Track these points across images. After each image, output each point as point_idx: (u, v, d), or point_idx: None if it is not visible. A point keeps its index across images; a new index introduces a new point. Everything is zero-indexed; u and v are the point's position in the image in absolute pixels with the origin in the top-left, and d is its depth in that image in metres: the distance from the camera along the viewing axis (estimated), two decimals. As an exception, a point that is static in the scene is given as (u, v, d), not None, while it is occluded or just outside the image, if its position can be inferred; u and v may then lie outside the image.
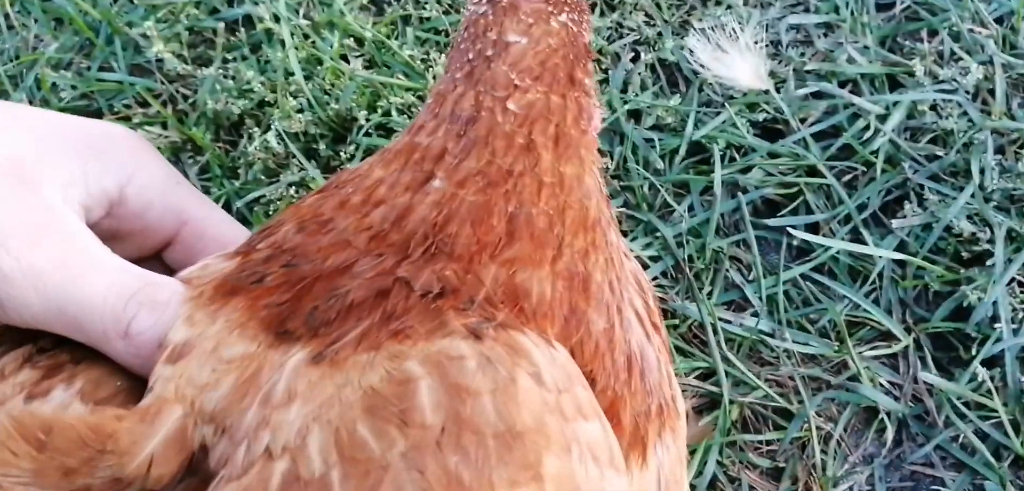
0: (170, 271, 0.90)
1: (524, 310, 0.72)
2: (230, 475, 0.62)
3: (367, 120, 1.43)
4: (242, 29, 1.58)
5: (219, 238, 0.91)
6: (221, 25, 1.54)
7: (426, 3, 1.59)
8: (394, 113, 1.44)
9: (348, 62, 1.50)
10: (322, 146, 1.43)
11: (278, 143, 1.42)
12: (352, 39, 1.54)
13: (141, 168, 0.89)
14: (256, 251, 0.80)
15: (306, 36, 1.54)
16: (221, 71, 1.53)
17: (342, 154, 1.42)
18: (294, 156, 1.42)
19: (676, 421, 0.89)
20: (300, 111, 1.44)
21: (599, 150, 1.37)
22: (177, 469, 0.66)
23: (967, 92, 1.47)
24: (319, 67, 1.49)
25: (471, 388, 0.61)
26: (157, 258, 0.95)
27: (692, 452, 1.19)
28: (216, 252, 0.83)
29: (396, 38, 1.56)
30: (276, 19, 1.53)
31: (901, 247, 1.33)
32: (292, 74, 1.47)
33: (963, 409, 1.22)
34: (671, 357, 0.92)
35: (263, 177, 1.42)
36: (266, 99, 1.47)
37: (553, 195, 0.75)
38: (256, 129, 1.45)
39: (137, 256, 0.91)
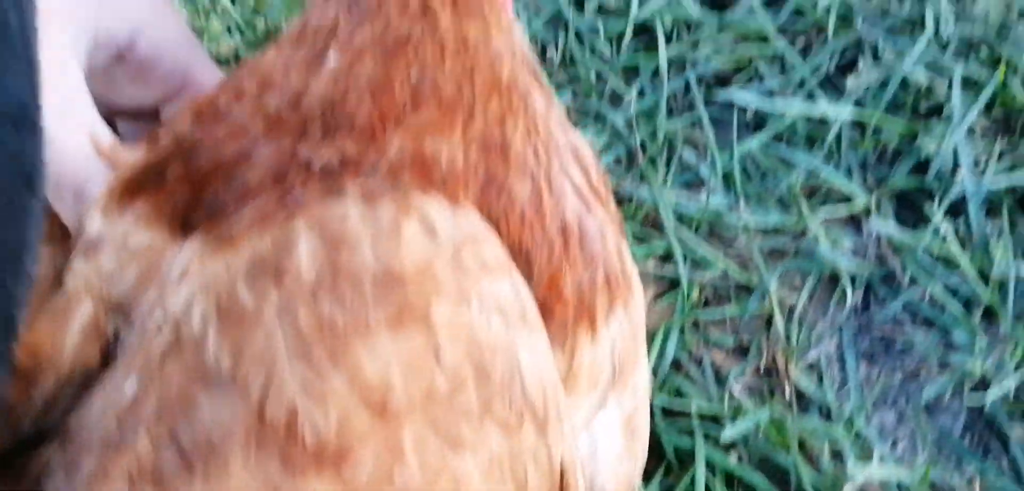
0: None
1: (433, 178, 0.69)
2: (123, 355, 0.61)
3: (299, 35, 1.40)
4: (164, -45, 1.54)
5: None
6: (137, -50, 1.49)
7: (353, -92, 1.55)
8: (327, 25, 1.41)
9: (275, -24, 1.47)
10: (255, 68, 1.40)
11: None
12: (278, -48, 1.50)
13: (156, 22, 0.88)
14: (159, 142, 0.79)
15: (229, -46, 1.50)
16: None
17: (277, 74, 1.39)
18: (226, 81, 1.39)
19: (629, 295, 0.87)
20: (228, 31, 1.41)
21: (544, 43, 1.35)
22: (98, 357, 0.65)
23: (920, -61, 1.44)
24: (246, -17, 1.46)
25: (350, 238, 0.59)
26: (154, 112, 0.97)
27: (651, 336, 1.18)
28: None
29: (325, -53, 1.52)
30: (197, -61, 1.49)
31: (858, 106, 1.31)
32: (217, -4, 1.44)
33: (929, 264, 1.20)
34: (623, 233, 0.90)
35: (195, 105, 1.39)
36: (193, 24, 1.44)
37: (458, 58, 0.72)
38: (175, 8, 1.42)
39: (136, 107, 0.94)
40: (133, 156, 0.80)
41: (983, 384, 1.13)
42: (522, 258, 0.74)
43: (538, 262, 0.75)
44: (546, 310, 0.75)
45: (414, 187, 0.67)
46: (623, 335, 0.84)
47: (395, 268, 0.57)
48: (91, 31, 0.84)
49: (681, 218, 1.25)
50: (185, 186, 0.72)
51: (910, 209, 1.27)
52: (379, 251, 0.58)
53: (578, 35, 1.40)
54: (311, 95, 0.71)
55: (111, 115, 1.01)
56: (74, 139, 0.77)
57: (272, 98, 0.72)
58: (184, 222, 0.71)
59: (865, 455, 1.07)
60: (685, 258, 1.23)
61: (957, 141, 1.22)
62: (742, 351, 1.20)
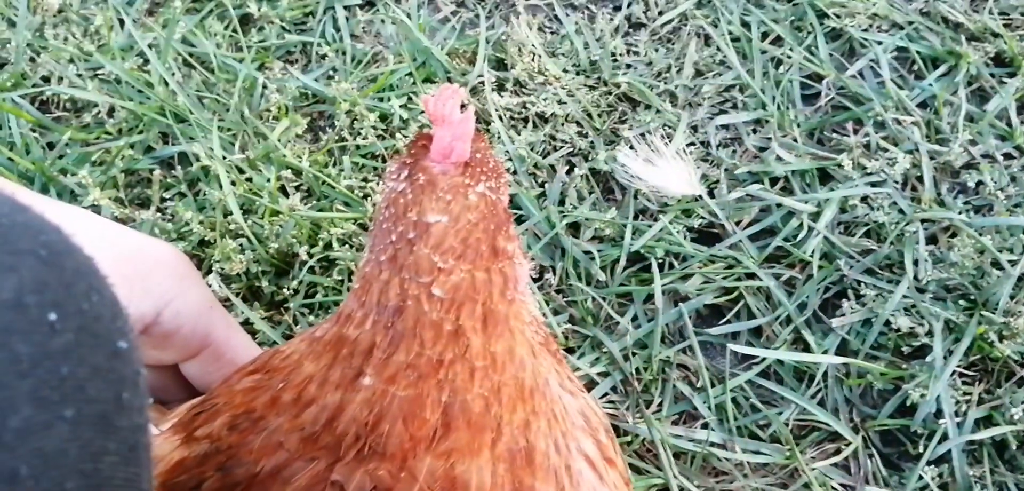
0: (185, 381, 0.98)
1: (463, 502, 0.69)
2: None
3: (309, 255, 1.40)
4: (178, 167, 1.55)
5: (234, 361, 0.94)
6: (157, 173, 1.50)
7: (361, 129, 1.57)
8: (335, 244, 1.42)
9: (287, 195, 1.47)
10: (265, 283, 1.40)
11: (220, 287, 1.39)
12: (289, 171, 1.51)
13: (181, 294, 0.91)
14: (195, 440, 0.79)
15: (242, 170, 1.51)
16: (159, 214, 1.49)
17: (285, 289, 1.39)
18: (237, 296, 1.39)
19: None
20: (241, 251, 1.41)
21: (542, 267, 1.36)
22: None
23: (896, 182, 1.48)
24: (258, 200, 1.46)
25: None
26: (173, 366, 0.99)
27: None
28: (227, 371, 0.86)
29: (333, 166, 1.54)
30: (211, 156, 1.50)
31: (843, 346, 1.32)
32: (230, 213, 1.44)
33: (915, 510, 1.20)
34: (629, 481, 0.90)
35: (206, 321, 1.38)
36: (206, 239, 1.44)
37: (486, 377, 0.73)
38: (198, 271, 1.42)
39: (156, 364, 0.97)
40: (168, 448, 0.80)
41: None
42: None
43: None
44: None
45: (444, 517, 0.67)
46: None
47: None
48: None
49: (677, 454, 1.24)
50: (221, 500, 0.72)
51: (897, 447, 1.27)
52: None
53: (575, 262, 1.41)
54: (346, 417, 0.71)
55: (132, 367, 1.01)
56: None
57: (308, 415, 0.72)
58: (221, 542, 0.70)
59: None
60: (681, 492, 1.22)
61: (940, 390, 1.24)
62: (737, 588, 1.20)
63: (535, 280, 1.41)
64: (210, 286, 1.37)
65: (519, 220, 1.46)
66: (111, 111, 1.60)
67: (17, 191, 0.65)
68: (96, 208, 1.49)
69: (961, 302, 1.34)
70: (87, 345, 0.51)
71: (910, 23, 1.72)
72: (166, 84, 1.60)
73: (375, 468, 0.69)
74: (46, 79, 1.65)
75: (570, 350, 1.35)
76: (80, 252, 0.55)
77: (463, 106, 0.79)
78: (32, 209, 0.54)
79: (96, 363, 0.51)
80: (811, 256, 1.39)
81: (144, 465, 0.55)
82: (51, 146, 1.57)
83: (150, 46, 1.66)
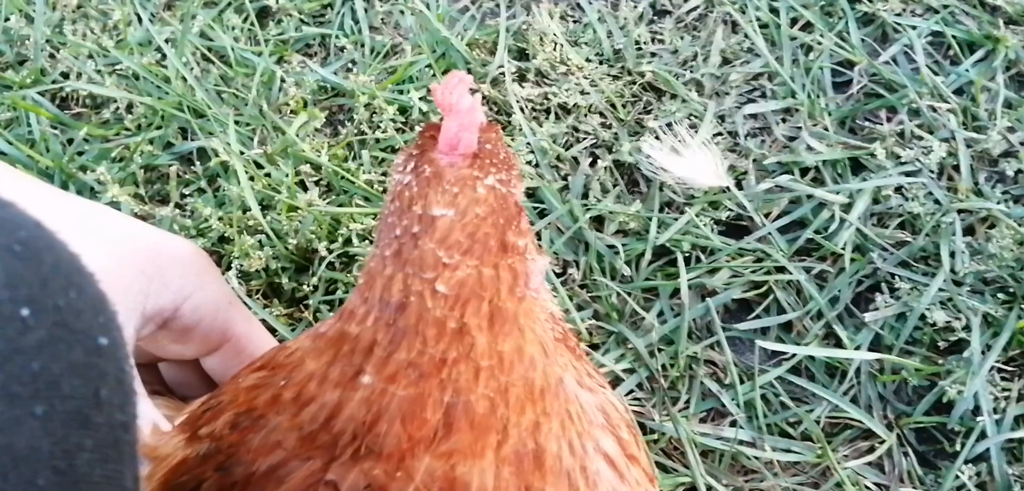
0: (206, 375, 0.98)
1: (464, 504, 0.67)
2: None
3: (328, 250, 1.38)
4: (197, 162, 1.53)
5: (255, 355, 0.93)
6: (174, 168, 1.48)
7: (380, 122, 1.55)
8: (355, 240, 1.39)
9: (306, 191, 1.45)
10: (284, 279, 1.38)
11: (239, 283, 1.37)
12: (308, 166, 1.49)
13: (199, 289, 0.92)
14: (198, 439, 0.77)
15: (260, 166, 1.49)
16: (178, 210, 1.48)
17: (305, 286, 1.37)
18: (257, 293, 1.37)
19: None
20: (260, 247, 1.39)
21: (566, 262, 1.33)
22: None
23: (931, 171, 1.43)
24: (277, 196, 1.44)
25: None
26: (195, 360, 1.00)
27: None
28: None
29: (352, 161, 1.51)
30: (229, 151, 1.48)
31: (876, 341, 1.28)
32: (249, 209, 1.42)
33: (952, 510, 1.16)
34: (654, 478, 0.87)
35: (225, 319, 1.36)
36: (225, 235, 1.42)
37: (492, 377, 0.70)
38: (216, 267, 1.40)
39: (177, 358, 0.97)
40: (172, 446, 0.78)
41: None
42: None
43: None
44: None
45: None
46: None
47: None
48: (139, 309, 0.85)
49: (705, 453, 1.21)
50: (219, 500, 0.70)
51: (933, 444, 1.22)
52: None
53: (599, 256, 1.38)
54: (344, 415, 0.69)
55: (153, 362, 1.01)
56: None
57: (307, 413, 0.70)
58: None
59: None
60: (708, 492, 1.19)
61: (978, 386, 1.19)
62: (767, 592, 1.16)
63: (558, 275, 1.38)
64: (229, 283, 1.35)
65: (541, 214, 1.43)
66: (129, 107, 1.59)
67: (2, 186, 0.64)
68: (115, 205, 1.47)
69: (999, 295, 1.29)
70: (63, 341, 0.50)
71: (945, 6, 1.66)
72: (184, 79, 1.59)
73: (370, 468, 0.67)
74: (65, 75, 1.64)
75: (594, 346, 1.32)
76: (62, 248, 0.54)
77: (472, 92, 0.76)
78: (14, 206, 0.54)
79: (72, 359, 0.50)
80: (843, 248, 1.35)
81: (127, 462, 0.54)
82: (70, 142, 1.56)
83: (168, 41, 1.64)
